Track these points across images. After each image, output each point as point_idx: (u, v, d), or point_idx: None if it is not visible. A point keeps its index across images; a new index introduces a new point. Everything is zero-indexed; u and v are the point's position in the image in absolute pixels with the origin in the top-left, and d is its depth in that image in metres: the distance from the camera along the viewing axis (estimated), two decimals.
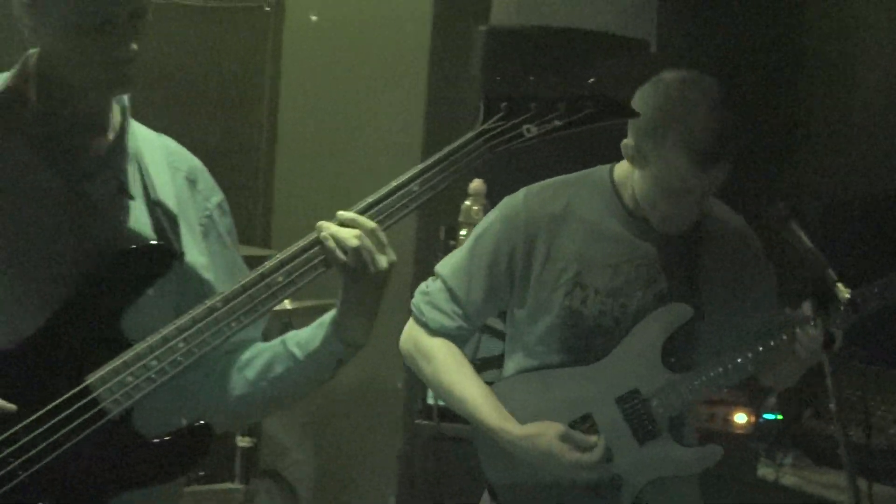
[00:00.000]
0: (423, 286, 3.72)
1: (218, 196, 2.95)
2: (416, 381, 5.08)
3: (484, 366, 4.87)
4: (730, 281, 3.61)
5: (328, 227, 2.60)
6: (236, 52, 6.57)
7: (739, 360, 3.54)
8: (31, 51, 2.73)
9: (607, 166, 3.63)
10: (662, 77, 3.41)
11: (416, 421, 5.06)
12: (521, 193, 3.64)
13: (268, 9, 6.56)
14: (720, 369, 3.54)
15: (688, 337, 3.57)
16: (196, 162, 2.95)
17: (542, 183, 3.65)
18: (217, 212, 2.93)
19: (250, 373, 2.85)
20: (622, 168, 3.58)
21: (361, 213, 2.62)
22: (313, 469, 6.63)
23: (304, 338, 2.80)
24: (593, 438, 3.46)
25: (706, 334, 3.59)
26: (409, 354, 3.72)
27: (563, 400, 3.55)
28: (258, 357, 2.85)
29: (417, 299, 3.70)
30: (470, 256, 3.64)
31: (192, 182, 2.89)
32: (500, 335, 4.84)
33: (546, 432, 3.45)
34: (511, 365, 3.70)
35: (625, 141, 3.43)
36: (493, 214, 3.67)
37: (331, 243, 2.59)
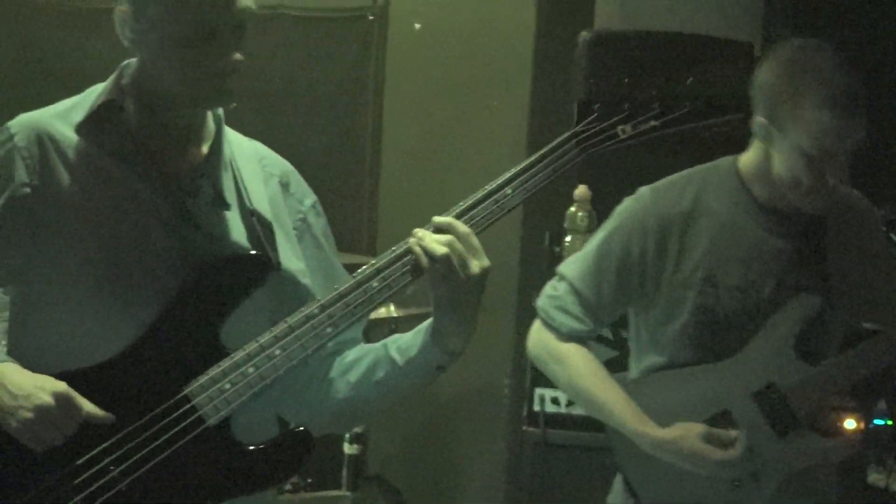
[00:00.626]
0: (549, 289, 3.68)
1: (311, 198, 2.96)
2: (522, 388, 5.08)
3: None
4: (858, 260, 3.57)
5: (418, 235, 2.60)
6: (340, 61, 6.61)
7: (874, 346, 3.52)
8: (127, 62, 2.77)
9: (730, 158, 3.59)
10: (779, 46, 3.43)
11: (523, 428, 5.05)
12: (646, 193, 3.61)
13: (371, 17, 6.59)
14: (855, 357, 3.51)
15: (821, 327, 3.53)
16: (288, 166, 2.96)
17: (665, 181, 3.62)
18: (311, 214, 2.95)
19: (353, 376, 2.85)
20: (748, 159, 3.54)
21: (456, 217, 2.61)
22: (420, 476, 6.64)
23: (405, 343, 2.79)
24: (734, 433, 3.43)
25: (840, 323, 3.57)
26: (540, 358, 3.70)
27: (699, 398, 3.53)
28: (361, 360, 2.85)
29: (544, 303, 3.67)
30: (598, 259, 3.61)
31: (284, 186, 2.91)
32: (605, 341, 4.84)
33: (688, 434, 3.43)
34: (639, 365, 3.68)
35: (756, 120, 3.39)
36: (620, 216, 3.63)
37: (417, 250, 2.58)
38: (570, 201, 5.09)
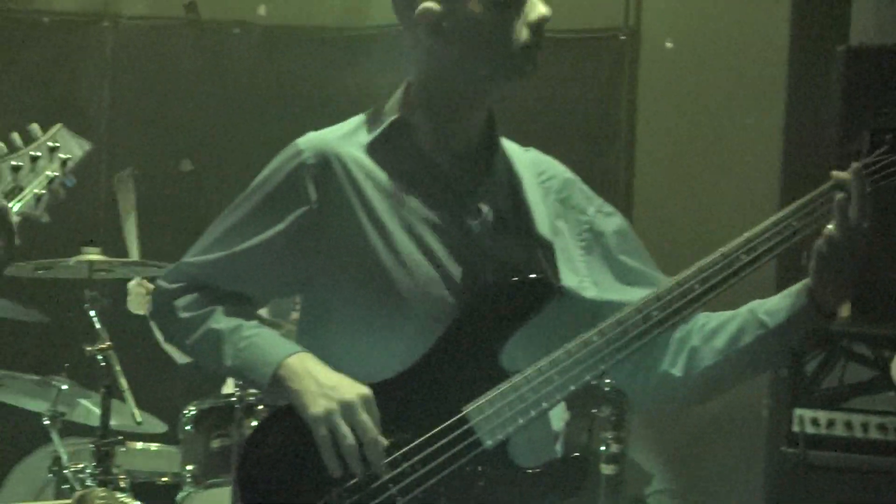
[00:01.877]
0: None
1: (594, 204, 2.95)
2: (781, 408, 5.00)
3: (852, 392, 4.76)
4: None
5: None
6: (592, 82, 6.62)
7: None
8: (409, 79, 2.82)
9: None
10: None
11: (782, 448, 4.97)
12: None
13: (623, 37, 6.58)
14: None
15: None
16: (565, 175, 2.97)
17: None
18: (598, 218, 2.93)
19: (719, 342, 2.78)
20: None
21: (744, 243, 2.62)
22: (677, 496, 6.59)
23: (773, 307, 2.72)
24: None
25: None
26: None
27: None
28: (725, 326, 2.78)
29: None
30: None
31: (564, 201, 2.91)
32: (865, 361, 4.74)
33: None
34: None
35: None
36: None
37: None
38: None
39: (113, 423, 5.08)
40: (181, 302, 2.83)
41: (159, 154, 6.93)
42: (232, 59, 7.01)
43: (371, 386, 2.65)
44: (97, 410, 5.24)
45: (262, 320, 2.86)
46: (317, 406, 2.61)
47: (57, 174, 2.55)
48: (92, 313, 5.10)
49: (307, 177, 2.75)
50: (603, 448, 5.52)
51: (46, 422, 5.18)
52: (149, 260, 5.53)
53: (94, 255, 5.21)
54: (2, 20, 6.75)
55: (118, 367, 5.00)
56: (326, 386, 2.63)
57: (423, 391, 2.66)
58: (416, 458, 2.62)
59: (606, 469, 5.70)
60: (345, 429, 2.60)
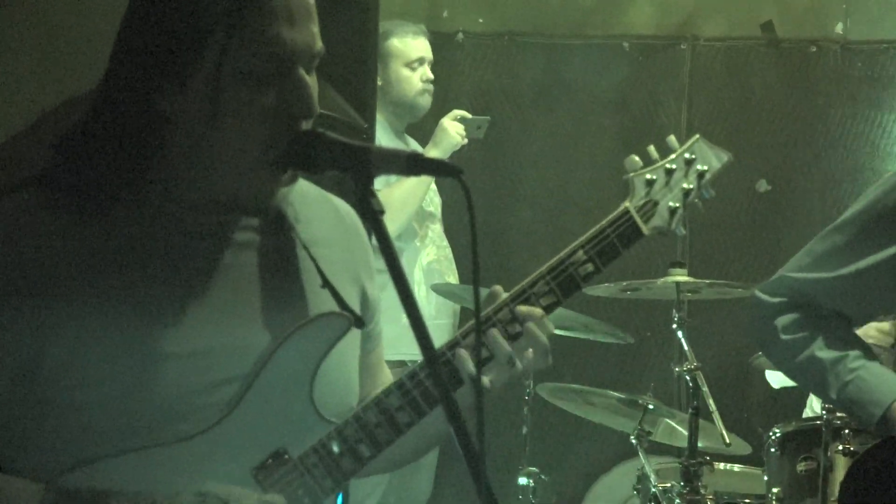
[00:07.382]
0: None
1: None
2: None
3: None
4: None
5: None
6: None
7: None
8: None
9: None
10: None
11: None
12: None
13: None
14: None
15: None
16: None
17: None
18: None
19: None
20: None
21: None
22: None
23: None
24: None
25: None
26: None
27: None
28: None
29: None
30: None
31: None
32: None
33: None
34: None
35: None
36: None
37: None
38: None
39: (699, 443, 5.11)
40: (782, 321, 2.84)
41: (736, 174, 6.94)
42: (808, 78, 6.94)
43: None
44: (681, 430, 5.29)
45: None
46: None
47: (692, 186, 2.42)
48: (680, 334, 5.15)
49: None
50: None
51: (633, 440, 5.27)
52: (729, 281, 5.54)
53: (681, 276, 5.25)
54: (585, 47, 6.93)
55: (705, 388, 5.01)
56: None
57: None
58: None
59: None
60: None
